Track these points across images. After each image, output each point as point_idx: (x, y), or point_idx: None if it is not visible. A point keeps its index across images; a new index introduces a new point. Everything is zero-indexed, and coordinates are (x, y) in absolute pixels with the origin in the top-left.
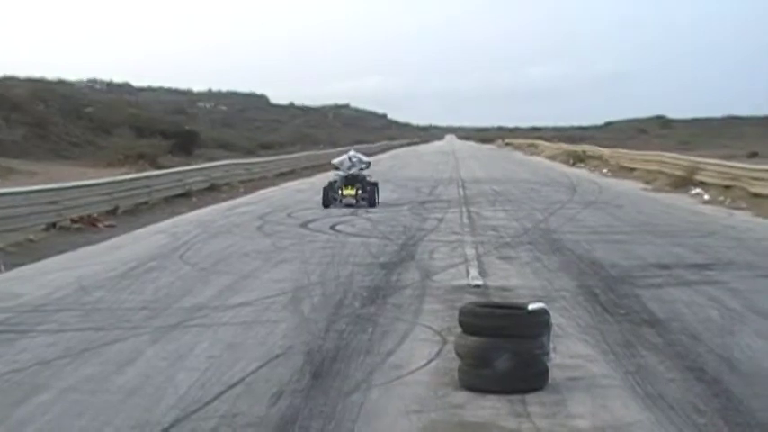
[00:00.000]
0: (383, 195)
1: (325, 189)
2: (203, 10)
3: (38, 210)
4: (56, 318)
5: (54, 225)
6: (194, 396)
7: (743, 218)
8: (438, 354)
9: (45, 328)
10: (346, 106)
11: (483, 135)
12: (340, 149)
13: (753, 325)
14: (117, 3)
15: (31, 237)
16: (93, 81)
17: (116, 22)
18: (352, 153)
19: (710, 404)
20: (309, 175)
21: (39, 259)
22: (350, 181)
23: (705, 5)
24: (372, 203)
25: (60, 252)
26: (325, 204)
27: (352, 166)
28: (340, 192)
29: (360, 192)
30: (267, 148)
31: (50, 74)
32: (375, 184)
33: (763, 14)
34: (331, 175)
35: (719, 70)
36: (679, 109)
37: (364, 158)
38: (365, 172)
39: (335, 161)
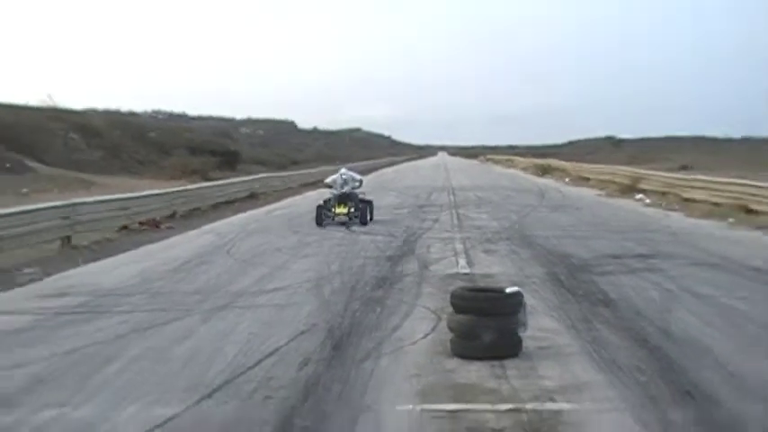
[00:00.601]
0: (388, 201)
1: (318, 207)
2: (244, 55)
3: (114, 214)
4: (126, 301)
5: (126, 227)
6: (238, 363)
7: (677, 217)
8: (434, 329)
9: (117, 310)
10: (359, 130)
11: (468, 152)
12: (351, 165)
13: (685, 303)
14: (177, 49)
15: (108, 236)
16: (157, 111)
17: (175, 64)
18: (343, 170)
19: (651, 366)
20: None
21: (113, 254)
22: (342, 199)
23: (646, 50)
24: (365, 221)
25: (130, 248)
26: (319, 222)
27: (345, 183)
28: (333, 210)
29: (352, 210)
30: (295, 164)
31: (123, 106)
32: (369, 203)
33: (693, 45)
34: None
35: (659, 97)
36: (626, 130)
37: (356, 176)
38: (359, 190)
39: (328, 180)
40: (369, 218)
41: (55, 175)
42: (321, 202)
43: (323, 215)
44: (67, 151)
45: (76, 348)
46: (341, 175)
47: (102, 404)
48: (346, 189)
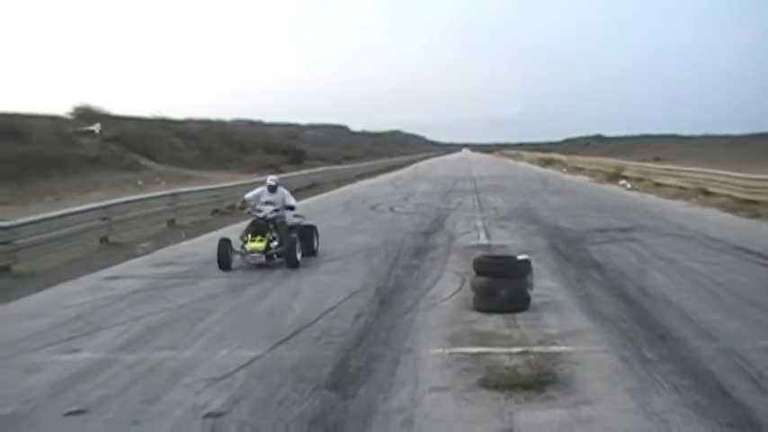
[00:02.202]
0: (422, 188)
1: (222, 242)
2: (307, 72)
3: (208, 201)
4: (218, 269)
5: (217, 210)
6: (304, 317)
7: (652, 199)
8: (460, 288)
9: (212, 275)
10: (398, 131)
11: (486, 149)
12: (387, 159)
13: (656, 265)
14: (254, 70)
15: (203, 218)
16: (240, 119)
17: (255, 81)
18: (271, 179)
19: (630, 315)
20: (375, 176)
21: (208, 232)
22: (260, 228)
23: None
24: (293, 261)
25: (220, 227)
26: (223, 264)
27: (268, 204)
28: (244, 242)
29: (274, 243)
30: (348, 159)
31: (214, 115)
32: (311, 228)
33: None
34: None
35: (637, 100)
36: (611, 129)
37: (289, 198)
38: (296, 219)
39: (248, 195)
40: (314, 247)
41: (162, 171)
42: (241, 234)
43: (229, 253)
44: (172, 152)
45: (182, 305)
46: (266, 188)
47: (202, 348)
48: (268, 212)
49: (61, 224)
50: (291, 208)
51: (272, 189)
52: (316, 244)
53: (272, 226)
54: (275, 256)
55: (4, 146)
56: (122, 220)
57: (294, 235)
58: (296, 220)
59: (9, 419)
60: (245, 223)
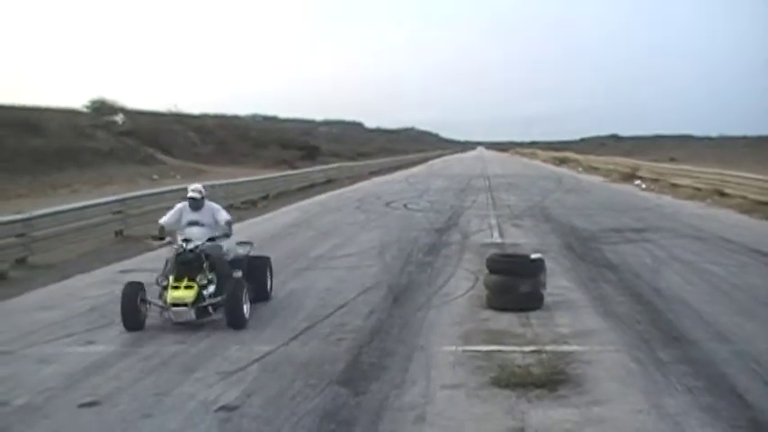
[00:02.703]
0: (437, 184)
1: (129, 287)
2: (322, 69)
3: (221, 195)
4: None
5: (231, 205)
6: (317, 313)
7: (667, 199)
8: (473, 287)
9: None
10: (412, 128)
11: (501, 147)
12: (402, 156)
13: (672, 266)
14: (269, 67)
15: None
16: (255, 115)
17: (269, 77)
18: (193, 190)
19: (644, 316)
20: (389, 173)
21: None
22: (186, 267)
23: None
24: (237, 318)
25: (234, 223)
26: (128, 323)
27: (194, 226)
28: (164, 289)
29: (209, 290)
30: (362, 155)
31: (229, 110)
32: (263, 262)
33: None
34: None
35: (653, 101)
36: (626, 129)
37: (221, 214)
38: (242, 250)
39: (165, 219)
40: (267, 288)
41: (177, 166)
42: (158, 276)
43: (138, 305)
44: (187, 146)
45: None
46: (187, 203)
47: (215, 341)
48: (198, 240)
49: (76, 217)
50: (228, 228)
51: (197, 204)
52: (269, 283)
53: (205, 263)
54: (210, 309)
55: (21, 139)
56: (137, 213)
57: (239, 274)
58: (241, 251)
59: (23, 410)
60: (262, 219)
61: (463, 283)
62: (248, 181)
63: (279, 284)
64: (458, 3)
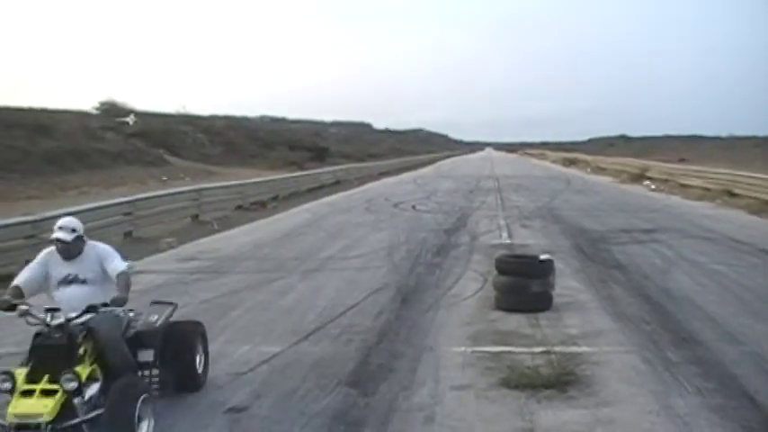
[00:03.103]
0: (446, 186)
1: None
2: (331, 71)
3: (231, 197)
4: (241, 264)
5: (240, 206)
6: (327, 314)
7: (676, 200)
8: (482, 287)
9: (236, 270)
10: (421, 129)
11: (509, 147)
12: (411, 157)
13: (681, 267)
14: (279, 68)
15: (227, 213)
16: (264, 116)
17: (278, 79)
18: (61, 230)
19: (654, 317)
20: (398, 174)
21: (232, 227)
22: (45, 357)
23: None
24: None
25: (243, 223)
26: None
27: (67, 286)
28: (10, 393)
29: (89, 393)
30: (371, 156)
31: (238, 112)
32: (193, 329)
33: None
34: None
35: (662, 101)
36: (635, 129)
37: (113, 261)
38: (153, 318)
39: (22, 277)
40: (196, 370)
41: (186, 167)
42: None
43: None
44: (196, 148)
45: (205, 300)
46: (57, 245)
47: (224, 343)
48: (72, 311)
49: (86, 219)
50: (123, 285)
51: (69, 250)
52: (199, 364)
53: (83, 347)
54: (84, 428)
55: (32, 141)
56: (146, 215)
57: (148, 356)
58: (155, 318)
59: None
60: (271, 219)
61: (472, 284)
62: (258, 182)
63: (287, 285)
64: (468, 4)
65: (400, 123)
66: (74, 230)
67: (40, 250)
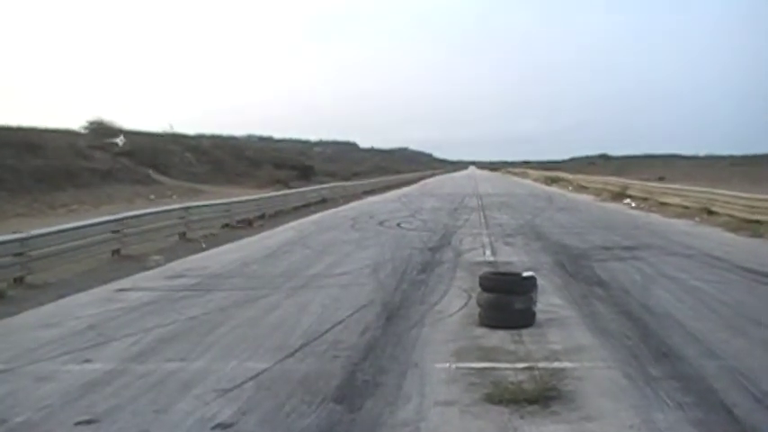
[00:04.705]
0: (430, 204)
1: None
2: (317, 92)
3: (218, 215)
4: (228, 281)
5: (227, 224)
6: (313, 330)
7: (656, 217)
8: (466, 304)
9: (222, 288)
10: (406, 148)
11: (492, 166)
12: (395, 176)
13: (661, 284)
14: (265, 89)
15: (214, 231)
16: (251, 135)
17: (264, 100)
18: None
19: (635, 333)
20: (383, 192)
21: (218, 245)
22: None
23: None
24: None
25: (230, 241)
26: None
27: None
28: None
29: None
30: (356, 175)
31: (225, 131)
32: None
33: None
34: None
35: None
36: (616, 148)
37: None
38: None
39: None
40: None
41: (173, 185)
42: None
43: None
44: (183, 166)
45: (192, 317)
46: None
47: (211, 359)
48: None
49: (74, 236)
50: None
51: None
52: None
53: None
54: None
55: (20, 159)
56: (134, 233)
57: None
58: None
59: (22, 427)
60: (258, 237)
61: (456, 300)
62: (244, 200)
63: (274, 302)
64: (449, 22)
65: (385, 142)
66: None
67: (29, 268)
